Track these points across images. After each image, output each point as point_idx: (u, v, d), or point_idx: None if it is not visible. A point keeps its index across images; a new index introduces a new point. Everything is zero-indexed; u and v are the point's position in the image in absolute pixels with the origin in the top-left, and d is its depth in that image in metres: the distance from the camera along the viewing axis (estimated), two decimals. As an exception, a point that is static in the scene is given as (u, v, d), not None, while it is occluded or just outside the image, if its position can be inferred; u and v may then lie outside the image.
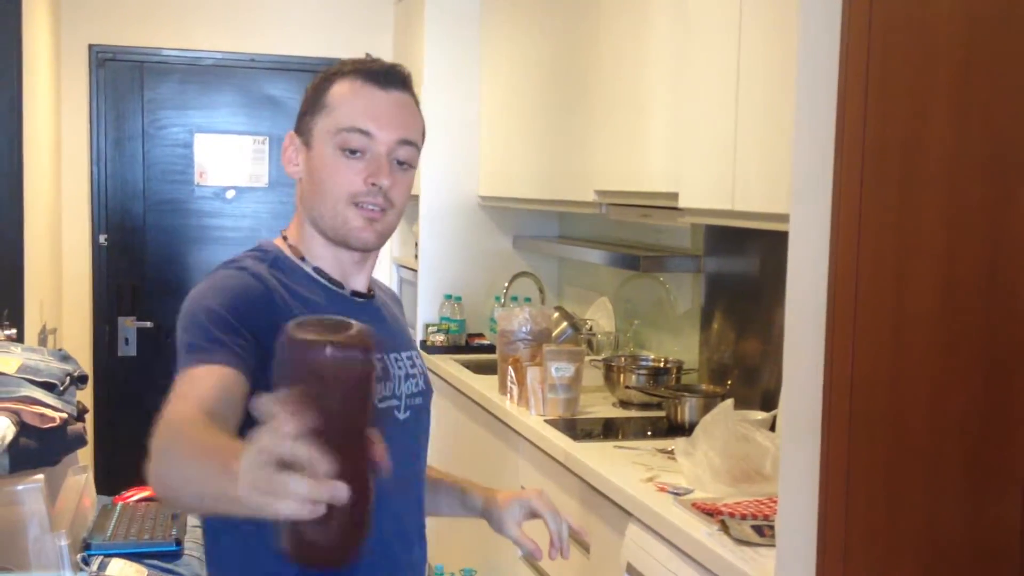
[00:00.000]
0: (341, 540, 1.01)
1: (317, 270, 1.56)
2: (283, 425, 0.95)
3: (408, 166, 1.56)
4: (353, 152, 1.51)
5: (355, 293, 1.59)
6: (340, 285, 1.57)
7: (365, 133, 1.51)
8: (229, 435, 1.24)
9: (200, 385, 1.34)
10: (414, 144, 1.56)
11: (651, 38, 2.88)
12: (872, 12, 1.34)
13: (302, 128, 1.56)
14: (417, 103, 1.61)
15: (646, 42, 2.90)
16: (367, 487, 1.02)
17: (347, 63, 1.57)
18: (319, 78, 1.58)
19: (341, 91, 1.53)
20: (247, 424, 1.28)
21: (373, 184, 1.50)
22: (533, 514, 1.70)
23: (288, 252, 1.57)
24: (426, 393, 1.66)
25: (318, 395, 0.97)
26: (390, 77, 1.56)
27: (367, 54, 1.59)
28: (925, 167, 1.27)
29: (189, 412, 1.27)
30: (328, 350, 1.00)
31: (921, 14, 1.28)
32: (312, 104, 1.55)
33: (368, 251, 1.58)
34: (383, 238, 1.55)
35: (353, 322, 1.07)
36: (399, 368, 1.59)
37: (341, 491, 0.94)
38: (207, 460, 1.13)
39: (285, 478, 0.93)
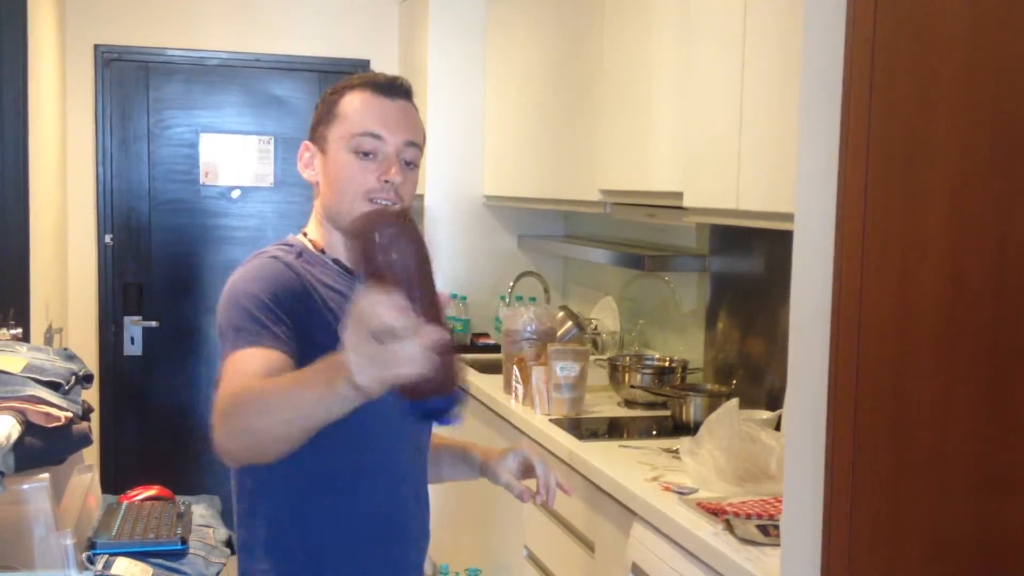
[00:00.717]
0: (450, 369, 1.24)
1: (336, 261, 1.73)
2: (378, 304, 1.17)
3: (414, 165, 1.74)
4: (366, 154, 1.69)
5: None
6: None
7: (376, 136, 1.69)
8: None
9: (251, 363, 1.48)
10: (418, 146, 1.74)
11: (656, 37, 2.87)
12: (876, 11, 1.34)
13: (317, 137, 1.75)
14: (417, 111, 1.78)
15: (651, 41, 2.90)
16: (448, 324, 1.26)
17: (355, 78, 1.76)
18: (328, 92, 1.77)
19: (352, 102, 1.72)
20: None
21: (386, 181, 1.68)
22: (526, 463, 1.88)
23: (310, 246, 1.74)
24: None
25: (390, 272, 1.21)
26: (395, 88, 1.74)
27: (371, 69, 1.72)
28: (930, 165, 1.27)
29: (244, 382, 1.43)
30: (378, 234, 1.22)
31: (925, 12, 1.28)
32: (325, 115, 1.73)
33: None
34: None
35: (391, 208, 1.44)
36: None
37: (442, 334, 1.18)
38: (290, 387, 1.34)
39: (396, 347, 1.16)
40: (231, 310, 1.57)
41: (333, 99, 1.74)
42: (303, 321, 1.59)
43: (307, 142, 1.77)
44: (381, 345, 1.16)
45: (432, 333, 1.17)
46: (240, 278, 1.62)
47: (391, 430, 1.71)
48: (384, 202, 1.68)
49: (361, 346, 1.18)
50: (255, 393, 1.37)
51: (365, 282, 1.22)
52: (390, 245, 1.23)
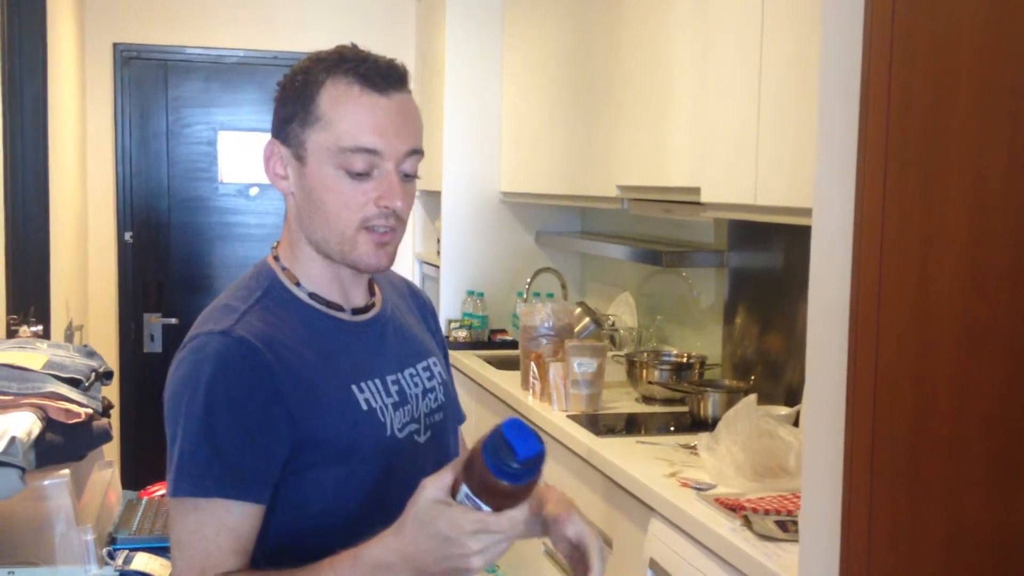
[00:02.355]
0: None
1: (313, 295, 1.42)
2: (498, 524, 1.13)
3: (414, 176, 1.41)
4: (359, 173, 1.35)
5: (356, 310, 1.47)
6: (339, 307, 1.44)
7: (372, 152, 1.35)
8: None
9: (216, 530, 1.27)
10: (420, 151, 1.41)
11: (673, 32, 2.87)
12: (895, 4, 1.33)
13: (288, 138, 1.39)
14: (412, 98, 1.43)
15: (668, 36, 2.89)
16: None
17: (334, 61, 1.37)
18: (301, 76, 1.38)
19: (334, 98, 1.35)
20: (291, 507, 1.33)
21: (385, 207, 1.36)
22: (580, 542, 1.49)
23: (282, 277, 1.43)
24: (447, 408, 1.54)
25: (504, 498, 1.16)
26: (389, 78, 1.37)
27: (352, 44, 1.40)
28: (948, 159, 1.26)
29: (213, 567, 1.26)
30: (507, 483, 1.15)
31: (943, 5, 1.27)
32: (299, 110, 1.37)
33: (379, 273, 1.48)
34: (393, 258, 1.44)
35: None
36: (415, 385, 1.48)
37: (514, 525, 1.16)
38: None
39: (475, 548, 1.14)
40: (177, 436, 1.30)
41: (308, 90, 1.37)
42: (274, 412, 1.30)
43: (275, 141, 1.41)
44: (458, 549, 1.13)
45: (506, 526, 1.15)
46: (182, 383, 1.32)
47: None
48: (383, 230, 1.38)
49: (432, 558, 1.14)
50: None
51: (472, 496, 1.15)
52: (520, 485, 1.17)
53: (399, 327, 1.53)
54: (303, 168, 1.38)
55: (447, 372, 1.59)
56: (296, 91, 1.38)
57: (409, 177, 1.40)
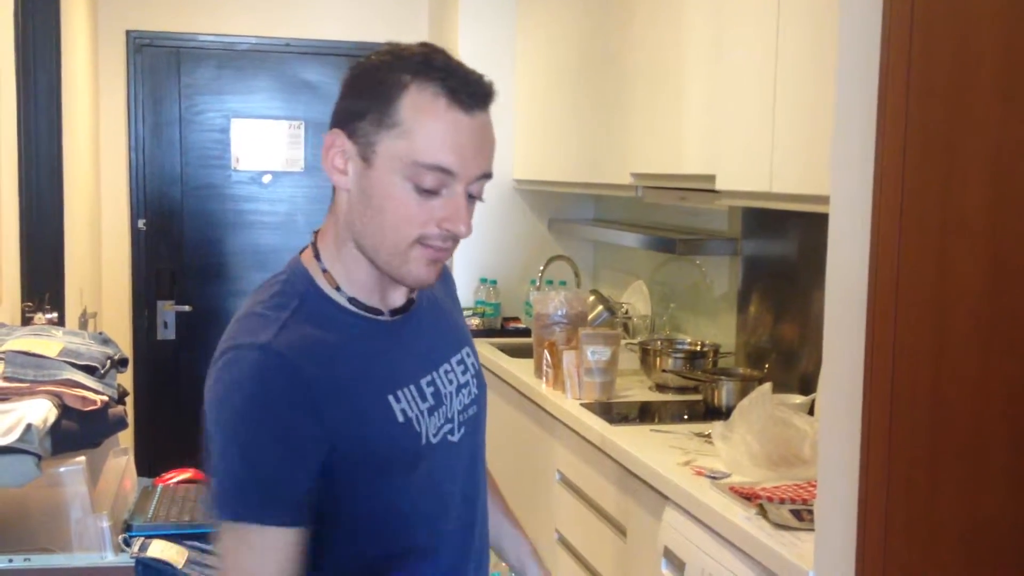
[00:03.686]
0: None
1: (353, 300, 1.38)
2: None
3: (478, 198, 1.35)
4: (427, 191, 1.29)
5: (394, 311, 1.43)
6: (378, 311, 1.40)
7: (447, 172, 1.29)
8: None
9: (247, 561, 1.26)
10: (491, 175, 1.36)
11: (688, 19, 2.85)
12: (915, -11, 1.32)
13: (358, 135, 1.31)
14: (491, 120, 1.38)
15: (683, 23, 2.88)
16: None
17: (421, 64, 1.30)
18: (383, 71, 1.31)
19: (419, 108, 1.28)
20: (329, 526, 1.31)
21: (447, 229, 1.31)
22: None
23: (319, 277, 1.38)
24: (479, 399, 1.53)
25: None
26: (476, 97, 1.31)
27: (439, 48, 1.35)
28: (968, 145, 1.25)
29: None
30: None
31: (966, -10, 1.26)
32: (377, 110, 1.29)
33: (424, 288, 1.43)
34: (440, 273, 1.41)
35: None
36: (449, 383, 1.46)
37: None
38: None
39: None
40: (220, 454, 1.26)
41: (391, 90, 1.29)
42: (312, 429, 1.28)
43: (340, 134, 1.32)
44: None
45: None
46: (222, 399, 1.28)
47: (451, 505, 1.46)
48: (438, 249, 1.33)
49: None
50: None
51: None
52: None
53: (435, 319, 1.51)
54: (368, 170, 1.31)
55: (476, 356, 1.58)
56: (374, 86, 1.30)
57: (473, 199, 1.34)
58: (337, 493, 1.32)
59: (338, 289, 1.37)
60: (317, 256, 1.39)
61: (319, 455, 1.29)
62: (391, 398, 1.36)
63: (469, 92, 1.30)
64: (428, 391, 1.42)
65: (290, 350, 1.28)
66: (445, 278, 1.63)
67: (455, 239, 1.33)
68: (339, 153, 1.33)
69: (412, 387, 1.40)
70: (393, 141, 1.28)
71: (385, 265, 1.34)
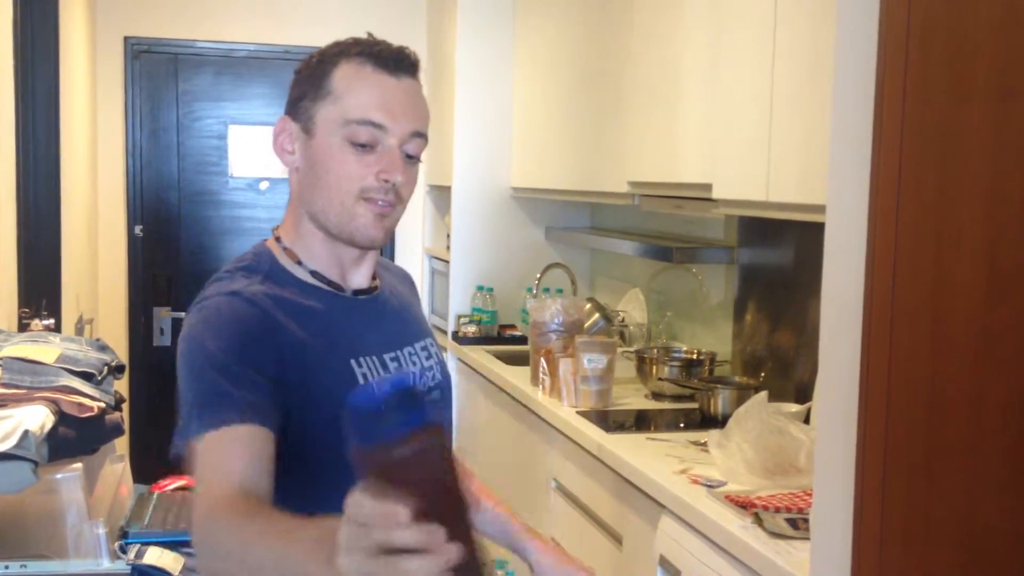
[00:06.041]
0: None
1: (315, 273, 1.48)
2: (387, 517, 0.89)
3: (417, 159, 1.47)
4: (363, 145, 1.41)
5: (357, 291, 1.52)
6: (339, 287, 1.49)
7: (378, 126, 1.41)
8: (275, 510, 1.21)
9: (227, 456, 1.27)
10: (424, 135, 1.47)
11: (685, 28, 2.86)
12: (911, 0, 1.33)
13: (299, 114, 1.45)
14: (422, 89, 1.50)
15: (680, 32, 2.89)
16: (473, 539, 0.97)
17: (350, 44, 1.46)
18: (316, 59, 1.46)
19: (346, 76, 1.42)
20: (281, 473, 1.29)
21: (385, 180, 1.42)
22: None
23: (282, 256, 1.48)
24: (443, 385, 1.60)
25: (408, 484, 0.92)
26: (400, 63, 1.45)
27: (368, 33, 1.49)
28: (964, 155, 1.25)
29: (228, 498, 1.21)
30: (396, 452, 0.93)
31: (959, 0, 1.26)
32: (312, 88, 1.44)
33: (373, 248, 1.50)
34: (389, 234, 1.48)
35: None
36: (413, 364, 1.53)
37: (455, 553, 0.90)
38: (276, 547, 1.08)
39: (400, 563, 0.89)
40: (194, 378, 1.34)
41: (323, 68, 1.44)
42: (275, 370, 1.35)
43: (286, 118, 1.47)
44: (385, 560, 0.90)
45: (450, 552, 0.90)
46: (195, 331, 1.37)
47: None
48: (382, 203, 1.43)
49: (358, 558, 0.91)
50: (242, 539, 1.14)
51: (372, 484, 0.93)
52: (412, 461, 0.93)
53: (398, 308, 1.58)
54: (310, 140, 1.44)
55: (439, 349, 1.64)
56: (310, 71, 1.45)
57: (412, 159, 1.45)
58: (290, 441, 1.33)
59: (299, 264, 1.47)
60: (278, 240, 1.51)
61: (277, 390, 1.33)
62: (353, 362, 1.42)
63: (393, 59, 1.44)
64: (391, 365, 1.47)
65: (262, 299, 1.39)
66: (407, 280, 1.71)
67: (396, 195, 1.43)
68: (287, 137, 1.46)
69: (375, 358, 1.46)
70: (328, 107, 1.42)
71: (336, 227, 1.44)
